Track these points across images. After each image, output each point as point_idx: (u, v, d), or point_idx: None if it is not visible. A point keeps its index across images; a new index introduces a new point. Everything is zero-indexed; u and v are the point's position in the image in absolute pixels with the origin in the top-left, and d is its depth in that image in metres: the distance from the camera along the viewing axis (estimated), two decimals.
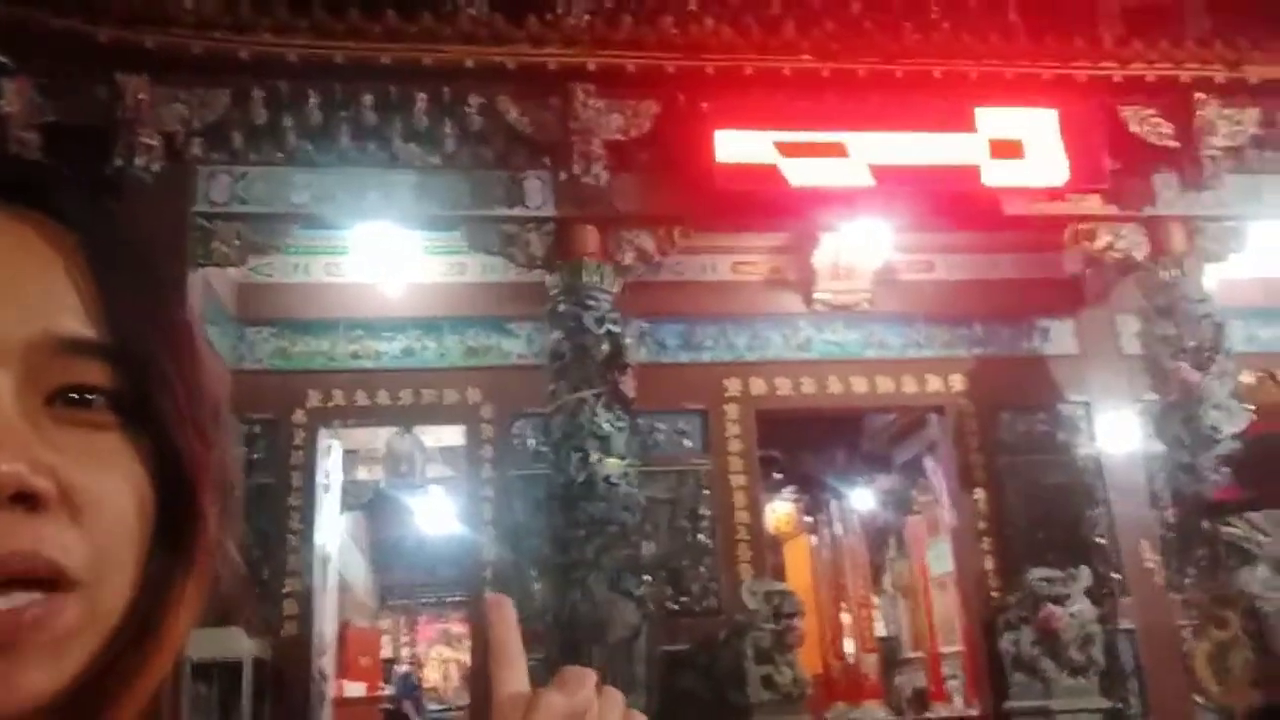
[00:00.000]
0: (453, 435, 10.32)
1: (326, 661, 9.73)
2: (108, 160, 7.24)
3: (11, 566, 0.45)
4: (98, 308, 0.50)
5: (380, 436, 10.80)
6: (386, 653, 17.36)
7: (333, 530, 10.03)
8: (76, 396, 0.49)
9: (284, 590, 9.00)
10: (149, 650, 0.52)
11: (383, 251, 9.21)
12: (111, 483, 0.49)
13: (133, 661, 0.51)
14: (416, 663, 17.86)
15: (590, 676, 0.53)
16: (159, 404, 0.51)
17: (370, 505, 13.42)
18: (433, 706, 14.66)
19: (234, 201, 7.84)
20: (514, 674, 0.54)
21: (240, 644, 7.93)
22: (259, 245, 7.97)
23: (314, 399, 9.51)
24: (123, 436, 0.50)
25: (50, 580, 0.46)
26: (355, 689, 12.99)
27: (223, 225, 7.77)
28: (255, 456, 9.20)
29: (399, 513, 14.45)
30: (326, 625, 9.73)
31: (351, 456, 11.06)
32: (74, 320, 0.49)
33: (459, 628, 18.24)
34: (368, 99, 7.82)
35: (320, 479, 9.50)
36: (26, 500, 0.45)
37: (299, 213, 8.01)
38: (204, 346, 0.57)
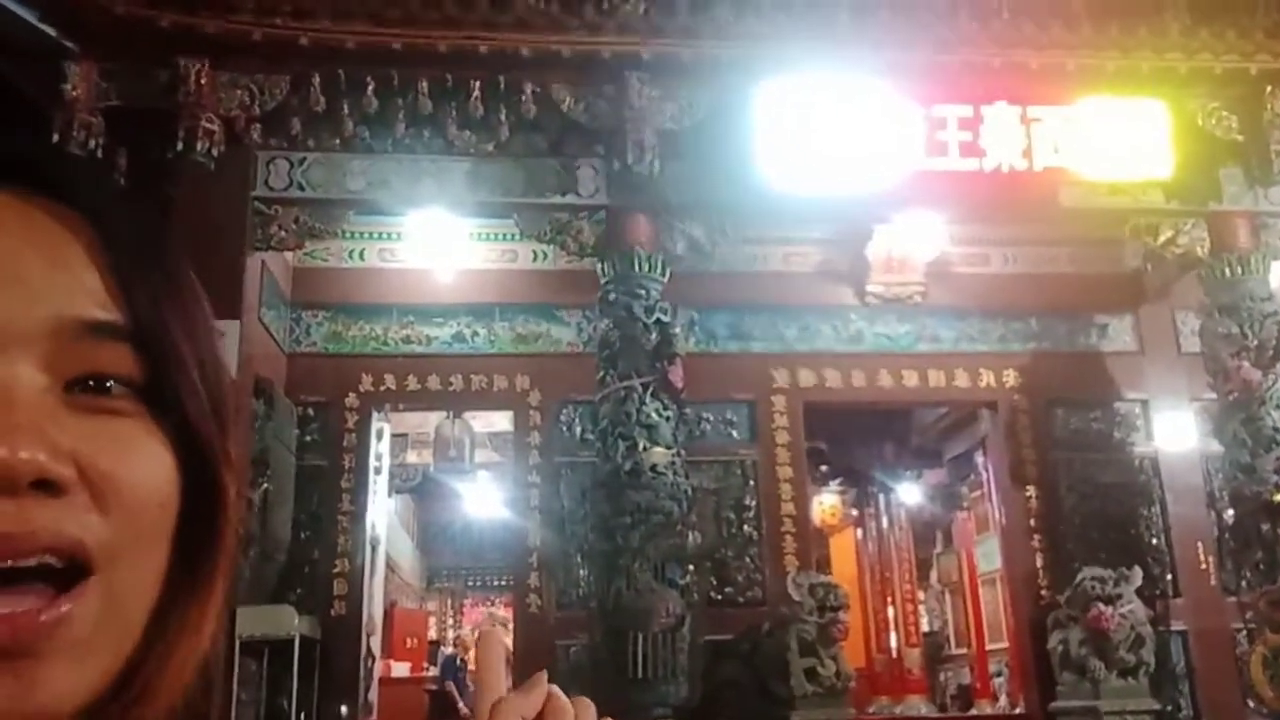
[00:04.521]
0: (501, 421, 10.40)
1: (374, 641, 9.86)
2: (170, 144, 7.36)
3: (39, 541, 0.45)
4: (114, 290, 0.50)
5: (430, 421, 10.92)
6: (432, 634, 17.56)
7: (382, 512, 10.14)
8: (96, 383, 0.49)
9: (334, 570, 9.12)
10: (179, 635, 0.52)
11: (435, 238, 9.28)
12: (133, 468, 0.49)
13: (164, 649, 0.51)
14: (462, 645, 18.01)
15: (542, 679, 0.58)
16: (177, 387, 0.51)
17: (419, 488, 13.57)
18: None
19: (292, 187, 7.93)
20: (491, 702, 0.58)
21: (290, 622, 8.05)
22: (315, 230, 8.07)
23: (366, 383, 9.62)
24: (145, 421, 0.50)
25: (72, 566, 0.46)
26: (401, 669, 13.17)
27: (281, 210, 7.86)
28: (308, 438, 9.33)
29: (447, 497, 14.61)
30: (374, 606, 9.85)
31: (401, 440, 11.18)
32: (92, 304, 0.49)
33: (504, 611, 18.39)
34: (424, 86, 7.86)
35: (371, 461, 9.61)
36: (48, 486, 0.46)
37: (354, 198, 8.09)
38: (215, 324, 0.57)
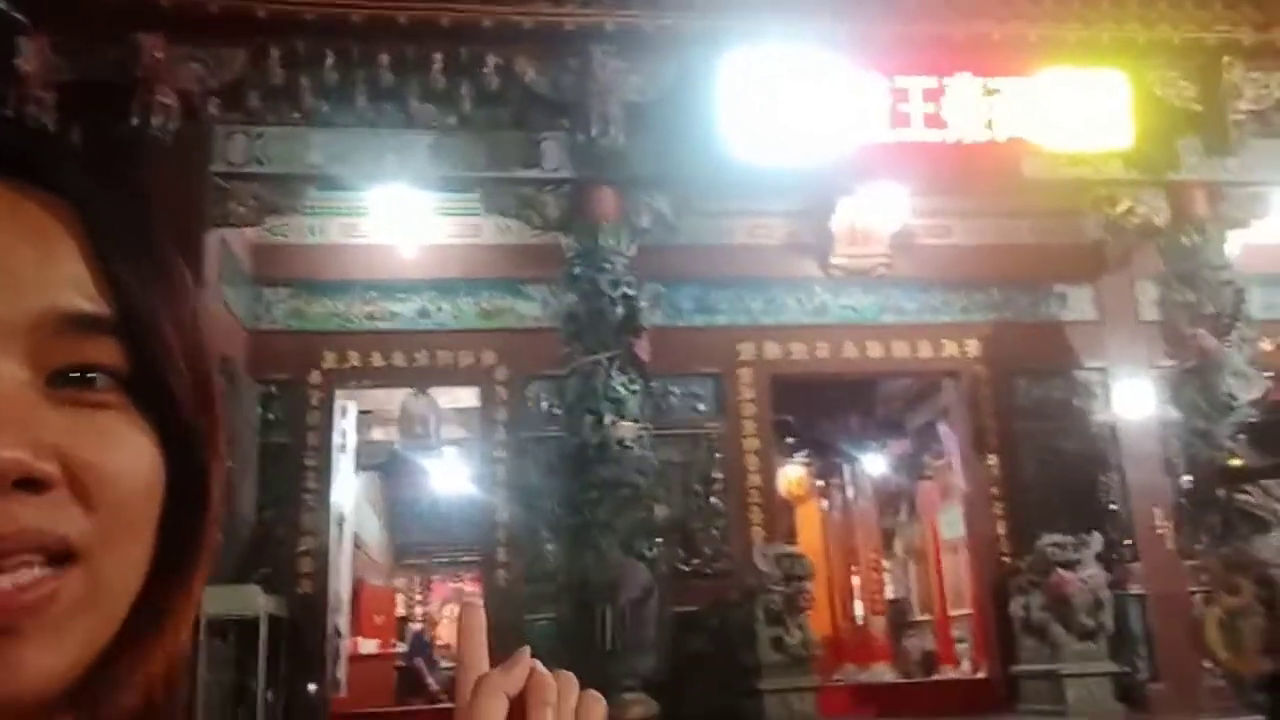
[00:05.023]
0: (467, 397, 10.37)
1: (341, 619, 9.84)
2: (125, 120, 7.22)
3: (21, 543, 0.45)
4: (100, 280, 0.49)
5: (395, 397, 10.86)
6: (400, 611, 17.55)
7: (348, 490, 10.10)
8: (79, 375, 0.48)
9: (300, 549, 9.09)
10: (160, 624, 0.52)
11: (398, 213, 9.20)
12: (117, 461, 0.48)
13: (144, 636, 0.51)
14: (430, 621, 18.04)
15: (524, 654, 0.58)
16: (163, 378, 0.51)
17: (385, 465, 13.53)
18: (445, 664, 14.83)
19: (251, 162, 7.82)
20: (474, 679, 0.57)
21: (256, 601, 8.01)
22: (276, 206, 7.96)
23: (330, 360, 9.55)
24: (129, 413, 0.50)
25: (56, 556, 0.46)
26: (369, 646, 13.15)
27: (240, 186, 7.75)
28: (271, 417, 9.26)
29: (413, 473, 14.57)
30: (341, 583, 9.83)
31: (367, 417, 11.12)
32: (77, 294, 0.48)
33: (472, 587, 18.41)
34: (384, 59, 7.77)
35: (336, 439, 9.56)
36: (31, 484, 0.45)
37: (315, 173, 7.99)
38: (204, 314, 0.56)
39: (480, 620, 0.60)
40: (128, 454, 0.49)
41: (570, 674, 0.59)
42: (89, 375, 0.49)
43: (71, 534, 0.47)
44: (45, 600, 0.46)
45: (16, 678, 0.45)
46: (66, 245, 0.49)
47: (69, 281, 0.49)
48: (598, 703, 0.58)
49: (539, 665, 0.58)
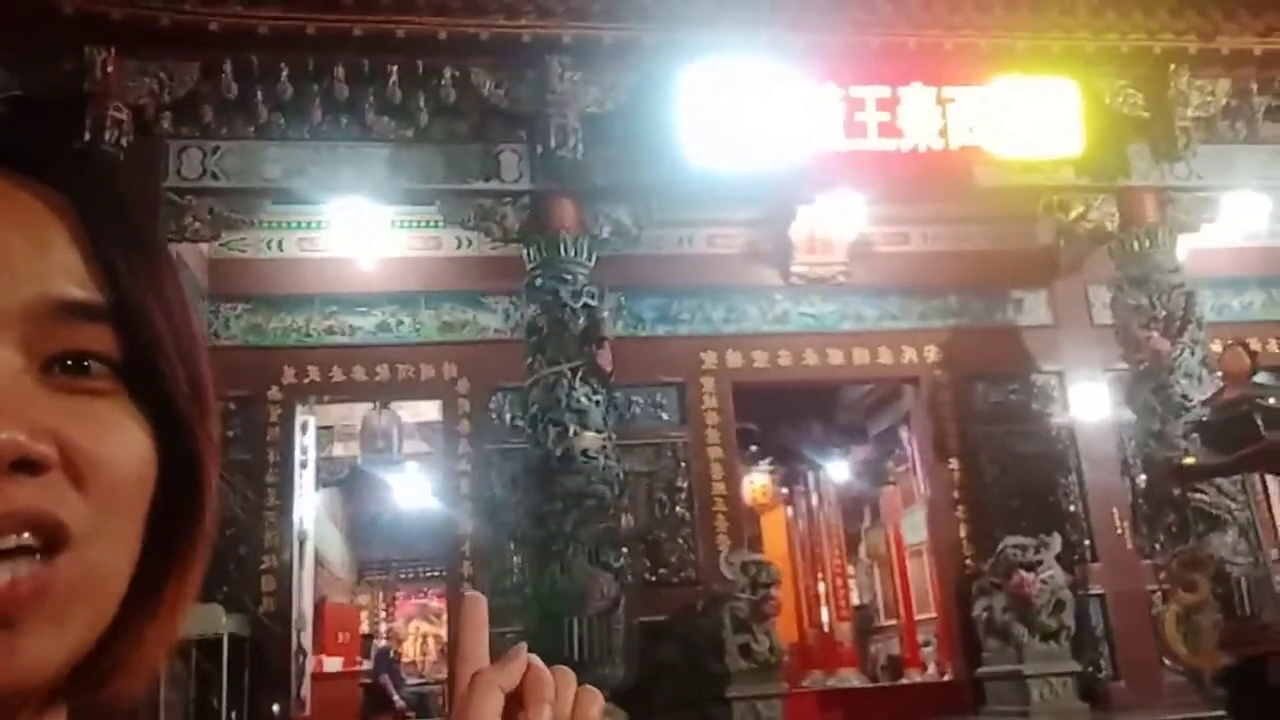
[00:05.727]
0: (429, 410, 10.31)
1: (305, 637, 9.72)
2: (77, 135, 7.12)
3: (19, 521, 0.45)
4: (93, 269, 0.50)
5: (356, 412, 10.78)
6: (364, 628, 17.36)
7: (309, 506, 9.99)
8: (74, 362, 0.49)
9: (261, 567, 8.98)
10: (153, 616, 0.52)
11: (356, 226, 9.13)
12: (111, 447, 0.49)
13: (137, 628, 0.51)
14: (395, 638, 17.86)
15: (521, 650, 0.58)
16: (157, 367, 0.51)
17: (347, 481, 13.39)
18: (411, 681, 14.69)
19: (206, 176, 7.74)
20: (471, 671, 0.57)
21: (218, 620, 7.90)
22: (231, 220, 7.88)
23: (289, 375, 9.45)
24: (123, 400, 0.50)
25: (50, 543, 0.47)
26: (333, 664, 13.00)
27: (194, 200, 7.67)
28: (230, 434, 9.12)
29: (376, 488, 14.45)
30: (304, 601, 9.72)
31: (327, 432, 11.02)
32: (71, 283, 0.49)
33: (437, 603, 18.26)
34: (340, 71, 7.73)
35: (297, 455, 9.46)
36: (28, 466, 0.46)
37: (271, 187, 7.93)
38: (195, 306, 0.57)
39: (482, 613, 0.60)
40: (121, 440, 0.50)
41: (568, 669, 0.59)
42: (83, 363, 0.49)
43: (66, 517, 0.47)
44: (41, 591, 0.46)
45: (15, 668, 0.45)
46: (59, 234, 0.50)
47: (61, 270, 0.49)
48: (595, 698, 0.58)
49: (536, 660, 0.58)
